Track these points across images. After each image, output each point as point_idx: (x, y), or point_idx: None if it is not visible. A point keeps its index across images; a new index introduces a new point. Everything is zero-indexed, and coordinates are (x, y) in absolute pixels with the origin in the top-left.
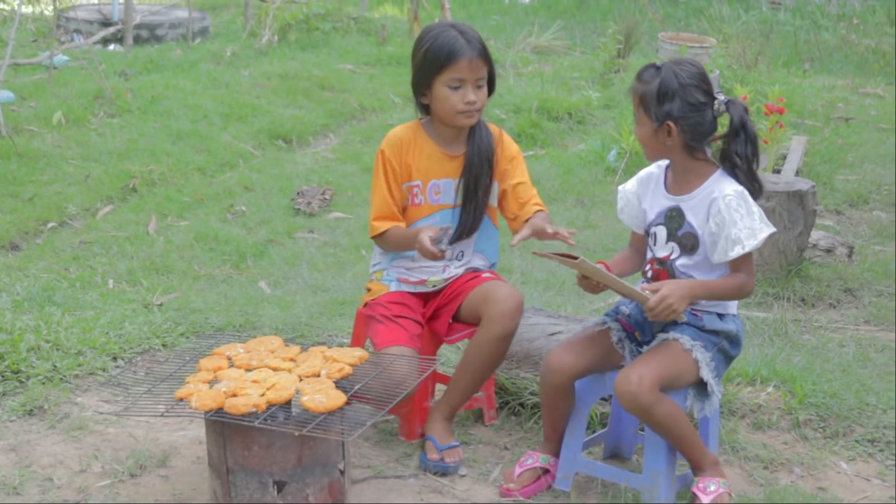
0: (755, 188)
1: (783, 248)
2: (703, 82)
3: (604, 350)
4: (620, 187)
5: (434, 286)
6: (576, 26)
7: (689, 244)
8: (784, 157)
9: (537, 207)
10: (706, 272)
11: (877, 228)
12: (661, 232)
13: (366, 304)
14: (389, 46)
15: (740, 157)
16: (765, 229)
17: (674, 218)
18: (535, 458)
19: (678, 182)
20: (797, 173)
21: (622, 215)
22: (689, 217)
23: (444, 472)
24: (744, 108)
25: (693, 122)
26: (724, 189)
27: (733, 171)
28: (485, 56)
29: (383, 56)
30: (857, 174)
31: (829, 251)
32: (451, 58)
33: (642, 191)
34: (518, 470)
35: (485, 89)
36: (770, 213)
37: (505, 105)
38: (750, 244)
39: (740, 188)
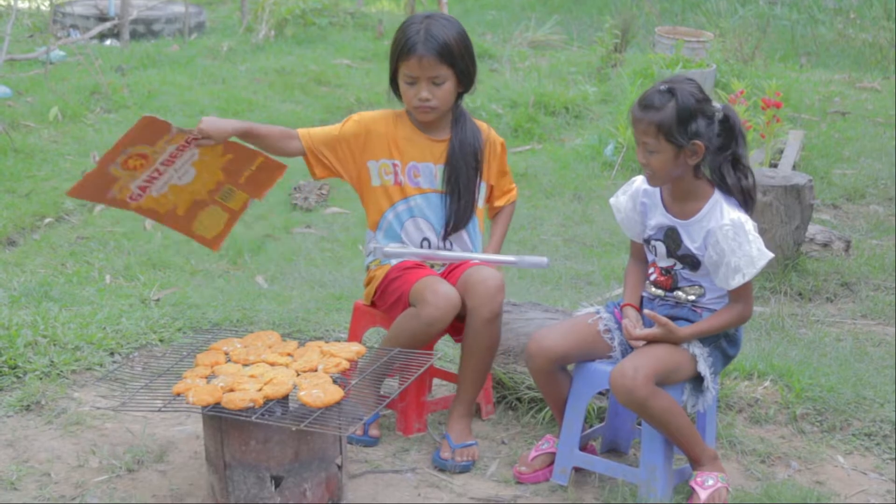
0: (752, 185)
1: (780, 242)
2: (705, 95)
3: (588, 337)
4: (612, 200)
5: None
6: (572, 21)
7: (690, 262)
8: (781, 152)
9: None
10: (711, 282)
11: (874, 222)
12: (661, 247)
13: (375, 290)
14: (386, 41)
15: (743, 157)
16: (763, 257)
17: (672, 238)
18: (551, 444)
19: (677, 202)
20: (794, 167)
21: (623, 227)
22: (686, 240)
23: (451, 470)
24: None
25: (712, 135)
26: (721, 219)
27: (735, 174)
28: (443, 55)
29: (380, 51)
30: (854, 168)
31: (826, 245)
32: (403, 53)
33: (642, 207)
34: (533, 453)
35: (445, 87)
36: (767, 208)
37: (501, 100)
38: (750, 272)
39: (736, 216)
